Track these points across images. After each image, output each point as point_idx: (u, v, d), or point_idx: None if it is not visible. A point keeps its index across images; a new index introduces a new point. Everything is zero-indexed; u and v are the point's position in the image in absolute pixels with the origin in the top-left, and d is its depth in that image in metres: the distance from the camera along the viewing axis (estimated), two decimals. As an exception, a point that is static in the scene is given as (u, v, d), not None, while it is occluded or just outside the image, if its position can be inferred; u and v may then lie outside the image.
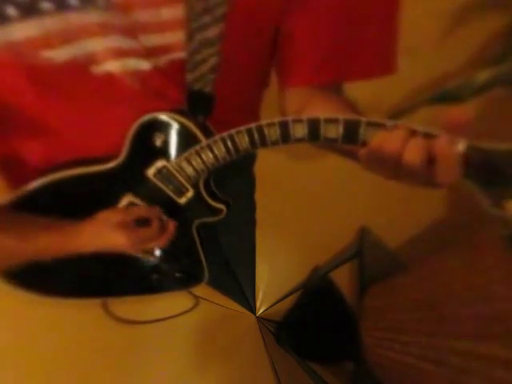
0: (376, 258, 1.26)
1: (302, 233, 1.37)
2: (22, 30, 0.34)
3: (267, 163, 0.74)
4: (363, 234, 1.31)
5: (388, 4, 0.43)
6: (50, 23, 0.34)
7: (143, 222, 0.48)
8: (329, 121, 0.37)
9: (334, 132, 0.37)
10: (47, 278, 0.55)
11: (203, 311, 1.16)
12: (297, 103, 0.49)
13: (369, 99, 0.69)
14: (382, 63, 0.46)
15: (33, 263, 0.47)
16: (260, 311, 1.33)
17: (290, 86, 0.49)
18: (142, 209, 0.48)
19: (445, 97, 1.03)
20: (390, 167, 0.34)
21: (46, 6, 0.34)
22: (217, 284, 1.13)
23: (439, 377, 0.78)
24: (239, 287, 1.27)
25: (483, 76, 0.98)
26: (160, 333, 1.23)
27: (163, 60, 0.40)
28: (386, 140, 0.33)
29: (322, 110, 0.46)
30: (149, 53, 0.39)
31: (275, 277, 1.35)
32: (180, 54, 0.40)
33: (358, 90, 0.53)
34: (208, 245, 0.56)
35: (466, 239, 0.96)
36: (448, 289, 0.85)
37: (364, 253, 1.27)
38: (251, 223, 0.92)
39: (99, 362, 1.17)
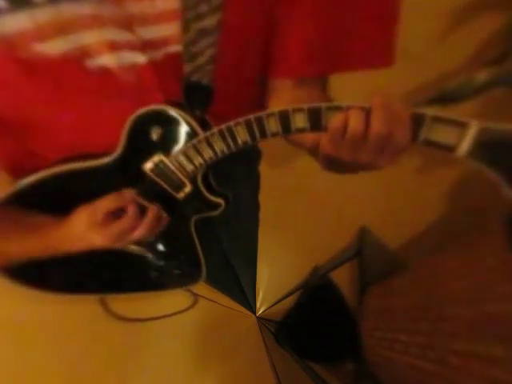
0: (376, 257, 1.26)
1: (302, 233, 1.37)
2: (13, 22, 0.33)
3: (267, 163, 0.73)
4: (363, 233, 1.31)
5: None
6: (41, 15, 0.33)
7: (120, 212, 0.44)
8: (330, 108, 0.35)
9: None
10: (45, 273, 0.55)
11: (203, 311, 1.16)
12: (280, 95, 0.47)
13: (368, 100, 0.69)
14: (377, 54, 0.44)
15: (31, 260, 0.47)
16: (260, 311, 1.33)
17: (277, 77, 0.47)
18: (109, 200, 0.44)
19: (445, 97, 1.03)
20: (350, 148, 0.34)
21: None
22: (217, 283, 1.13)
23: (439, 377, 0.78)
24: (240, 287, 1.27)
25: (483, 76, 0.98)
26: (160, 332, 1.23)
27: (160, 53, 0.39)
28: (348, 118, 0.34)
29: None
30: (145, 46, 0.38)
31: (275, 277, 1.35)
32: (176, 47, 0.39)
33: (356, 90, 0.53)
34: (209, 244, 0.56)
35: (466, 239, 0.96)
36: (448, 289, 0.85)
37: (364, 253, 1.27)
38: (254, 223, 0.91)
39: (98, 361, 1.17)
